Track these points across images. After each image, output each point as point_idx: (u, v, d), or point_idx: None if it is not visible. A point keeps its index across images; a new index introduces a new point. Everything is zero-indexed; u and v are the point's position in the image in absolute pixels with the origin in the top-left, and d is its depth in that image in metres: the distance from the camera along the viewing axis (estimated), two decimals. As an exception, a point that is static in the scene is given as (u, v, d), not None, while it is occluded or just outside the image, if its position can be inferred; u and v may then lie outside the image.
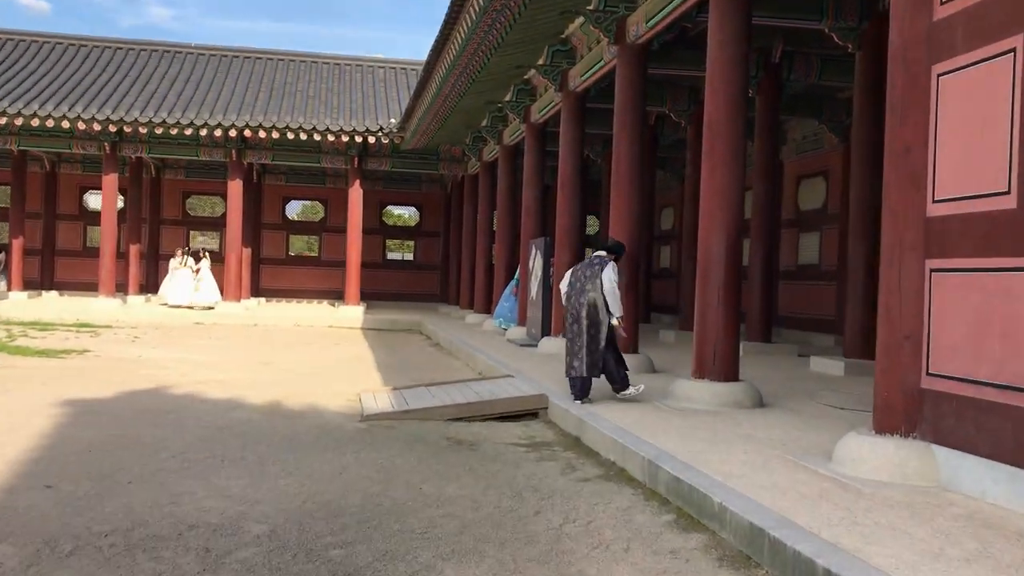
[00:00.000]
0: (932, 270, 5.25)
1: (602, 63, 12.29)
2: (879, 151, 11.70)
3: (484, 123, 19.95)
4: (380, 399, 9.43)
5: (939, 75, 5.25)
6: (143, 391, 9.89)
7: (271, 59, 29.25)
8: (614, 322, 8.30)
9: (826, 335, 17.40)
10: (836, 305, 17.75)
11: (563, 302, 8.64)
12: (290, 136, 23.17)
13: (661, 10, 10.21)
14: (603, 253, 8.62)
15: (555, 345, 13.50)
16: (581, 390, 8.32)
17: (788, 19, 11.31)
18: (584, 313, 8.23)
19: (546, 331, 14.38)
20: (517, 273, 18.11)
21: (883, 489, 4.99)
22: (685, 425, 7.08)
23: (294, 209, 33.22)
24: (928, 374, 5.25)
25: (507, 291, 18.47)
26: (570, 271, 8.68)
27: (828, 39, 14.26)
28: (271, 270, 30.15)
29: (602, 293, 8.21)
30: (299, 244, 32.57)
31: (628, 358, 10.63)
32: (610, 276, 8.25)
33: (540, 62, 14.19)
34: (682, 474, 5.31)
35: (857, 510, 4.57)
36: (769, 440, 6.50)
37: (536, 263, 15.30)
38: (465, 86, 16.07)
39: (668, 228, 25.70)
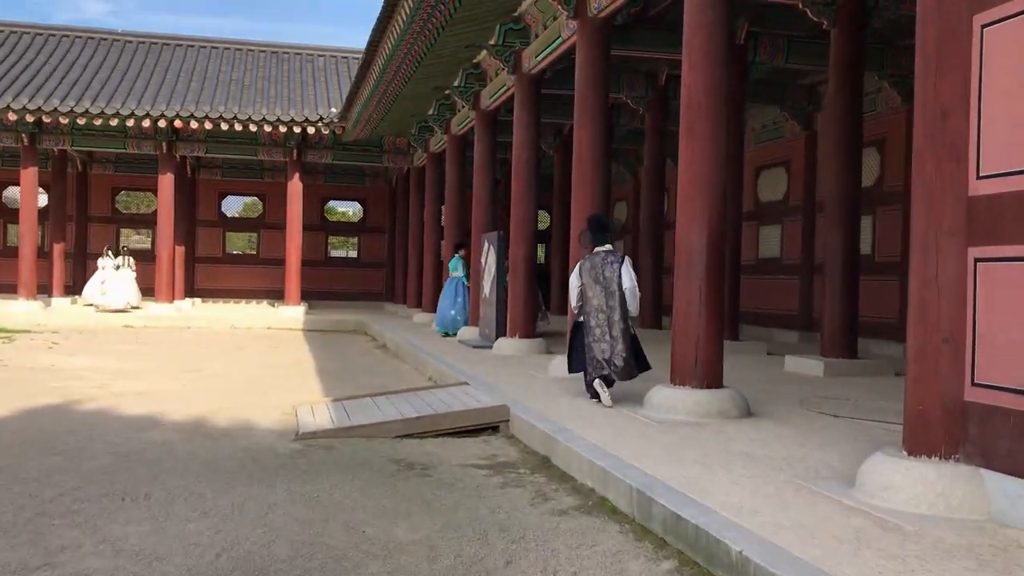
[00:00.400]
0: (977, 259, 4.38)
1: (560, 40, 11.35)
2: (856, 134, 11.00)
3: (431, 112, 18.88)
4: (319, 413, 8.37)
5: (983, 26, 4.38)
6: (46, 408, 8.68)
7: (204, 47, 27.77)
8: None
9: (789, 331, 16.72)
10: (799, 300, 17.11)
11: (574, 301, 8.15)
12: (224, 127, 21.85)
13: (626, -21, 9.32)
14: (610, 247, 8.05)
15: (511, 346, 12.55)
16: (626, 374, 7.88)
17: (761, -8, 10.47)
18: (618, 316, 7.77)
19: (501, 331, 13.41)
20: (455, 270, 17.01)
21: (929, 526, 4.11)
22: (670, 441, 6.15)
23: (234, 207, 31.73)
24: (974, 384, 4.39)
25: (449, 297, 17.08)
26: (578, 267, 8.12)
27: (795, 18, 13.52)
28: (207, 269, 28.68)
29: (621, 291, 7.78)
30: (239, 242, 31.02)
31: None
32: (631, 274, 7.85)
33: (492, 42, 13.19)
34: (683, 511, 4.37)
35: (909, 558, 3.67)
36: (771, 460, 5.60)
37: (489, 258, 14.31)
38: (410, 70, 15.00)
39: (622, 222, 24.91)
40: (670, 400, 7.15)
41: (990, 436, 4.29)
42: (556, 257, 22.59)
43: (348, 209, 36.81)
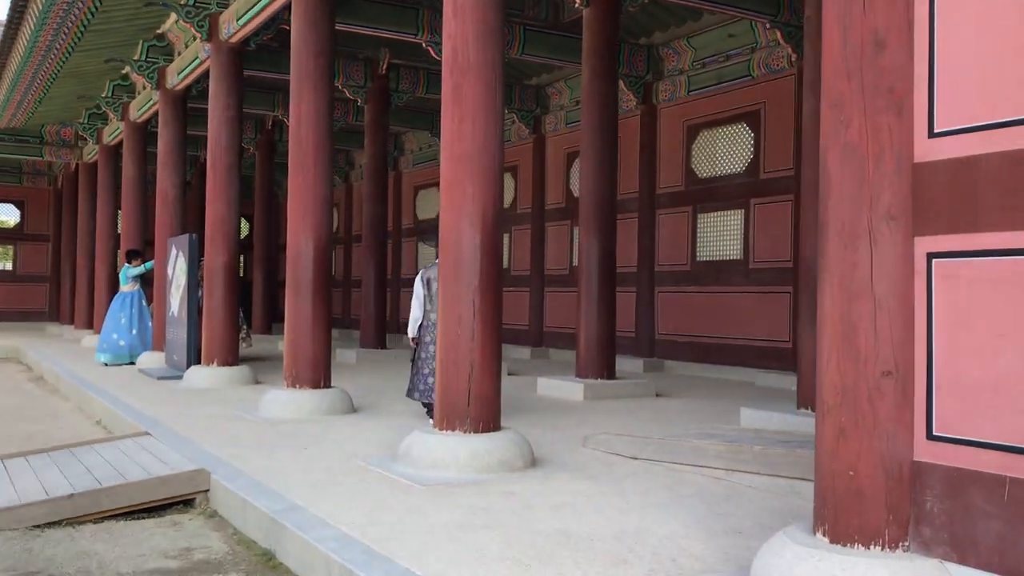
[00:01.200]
0: (931, 255, 3.01)
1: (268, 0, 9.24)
2: (612, 131, 9.84)
3: (104, 94, 15.70)
4: (-87, 492, 5.63)
5: (935, -83, 3.02)
6: None
7: None
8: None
9: (520, 347, 15.57)
10: (530, 314, 16.06)
11: (415, 313, 7.26)
12: None
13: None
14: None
15: (209, 377, 10.17)
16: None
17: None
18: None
19: (193, 358, 10.90)
20: (126, 283, 14.14)
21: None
22: (452, 519, 4.33)
23: None
24: (931, 437, 3.00)
25: (114, 317, 14.02)
26: (420, 276, 7.29)
27: (529, 5, 12.48)
28: None
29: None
30: None
31: (314, 394, 8.01)
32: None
33: (183, 1, 10.72)
34: None
35: None
36: (602, 543, 3.95)
37: (178, 268, 11.71)
38: (74, 34, 11.99)
39: (332, 230, 22.79)
40: (437, 451, 5.34)
41: (963, 515, 2.90)
42: (259, 268, 20.04)
43: (8, 218, 31.36)
